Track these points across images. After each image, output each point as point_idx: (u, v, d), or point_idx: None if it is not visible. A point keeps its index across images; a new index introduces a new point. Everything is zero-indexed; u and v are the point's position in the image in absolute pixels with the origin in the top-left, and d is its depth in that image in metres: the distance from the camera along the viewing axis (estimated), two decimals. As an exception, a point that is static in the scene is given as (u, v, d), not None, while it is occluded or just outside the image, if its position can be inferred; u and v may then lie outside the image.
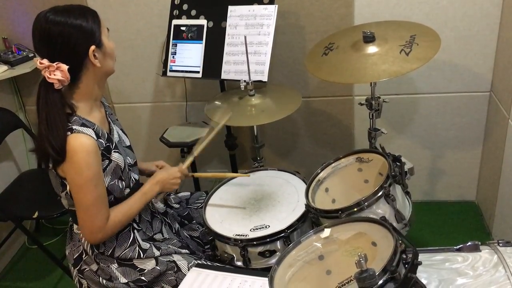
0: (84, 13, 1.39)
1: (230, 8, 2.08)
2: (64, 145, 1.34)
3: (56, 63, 1.35)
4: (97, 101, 1.52)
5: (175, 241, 1.69)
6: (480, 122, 2.36)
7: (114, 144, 1.51)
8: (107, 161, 1.46)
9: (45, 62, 1.35)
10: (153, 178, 1.63)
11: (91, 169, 1.38)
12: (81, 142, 1.36)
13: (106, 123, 1.56)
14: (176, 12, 2.19)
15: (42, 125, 1.37)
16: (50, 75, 1.35)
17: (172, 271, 1.57)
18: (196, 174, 1.93)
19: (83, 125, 1.40)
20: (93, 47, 1.39)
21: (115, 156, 1.49)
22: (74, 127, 1.37)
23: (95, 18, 1.42)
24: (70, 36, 1.36)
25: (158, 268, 1.56)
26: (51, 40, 1.35)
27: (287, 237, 1.58)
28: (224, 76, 2.10)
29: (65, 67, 1.35)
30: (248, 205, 1.76)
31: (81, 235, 1.55)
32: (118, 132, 1.59)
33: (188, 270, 1.55)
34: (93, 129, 1.42)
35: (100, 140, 1.44)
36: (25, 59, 2.45)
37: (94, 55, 1.40)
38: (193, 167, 2.39)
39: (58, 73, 1.35)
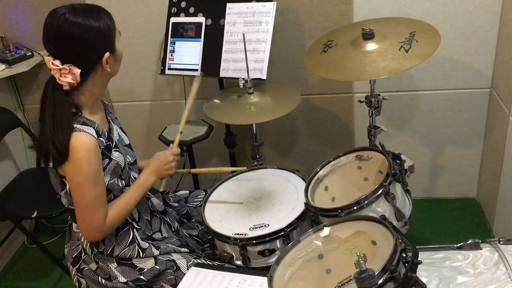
0: (102, 17, 1.39)
1: (229, 5, 2.07)
2: (67, 146, 1.34)
3: (69, 65, 1.34)
4: (98, 101, 1.52)
5: (174, 240, 1.69)
6: (481, 119, 2.35)
7: (114, 143, 1.50)
8: (107, 160, 1.45)
9: (58, 64, 1.34)
10: (147, 169, 1.61)
11: (92, 167, 1.38)
12: (82, 140, 1.35)
13: (106, 122, 1.55)
14: (174, 9, 2.18)
15: (47, 125, 1.35)
16: (61, 77, 1.35)
17: (171, 270, 1.57)
18: (193, 170, 1.92)
19: (84, 123, 1.39)
20: (107, 54, 1.39)
21: (115, 155, 1.48)
22: (75, 125, 1.37)
23: (111, 21, 1.41)
24: (89, 41, 1.35)
25: (157, 267, 1.55)
26: (69, 43, 1.34)
27: (287, 236, 1.58)
28: (222, 74, 2.09)
29: (77, 70, 1.35)
30: (247, 203, 1.75)
31: (80, 234, 1.55)
32: (117, 131, 1.59)
33: (187, 269, 1.55)
34: (93, 128, 1.41)
35: (101, 138, 1.43)
36: (23, 58, 2.43)
37: (107, 61, 1.40)
38: (192, 165, 2.38)
39: (69, 76, 1.35)
